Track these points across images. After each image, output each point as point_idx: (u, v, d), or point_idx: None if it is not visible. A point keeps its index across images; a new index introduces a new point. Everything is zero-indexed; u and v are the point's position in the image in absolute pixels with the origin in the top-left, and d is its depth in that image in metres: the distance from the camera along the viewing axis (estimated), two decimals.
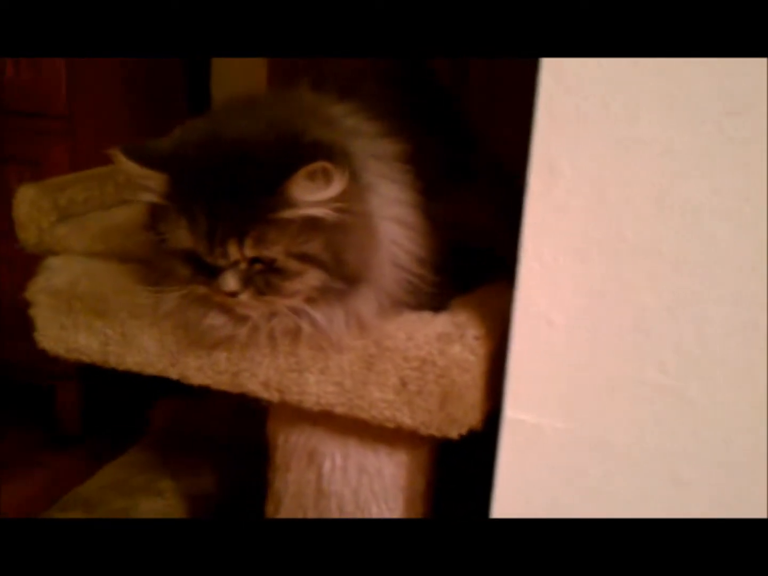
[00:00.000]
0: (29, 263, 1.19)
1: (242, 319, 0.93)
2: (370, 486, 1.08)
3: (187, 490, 1.55)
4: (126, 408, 2.34)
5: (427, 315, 0.94)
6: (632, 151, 0.78)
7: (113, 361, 1.04)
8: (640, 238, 0.80)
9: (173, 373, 1.01)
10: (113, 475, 1.60)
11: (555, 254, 0.83)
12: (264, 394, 0.98)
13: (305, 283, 0.88)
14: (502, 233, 1.06)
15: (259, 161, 0.85)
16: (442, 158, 1.04)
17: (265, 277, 0.87)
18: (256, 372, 0.97)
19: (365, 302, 0.91)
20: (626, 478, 0.86)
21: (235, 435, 1.70)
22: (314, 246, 0.86)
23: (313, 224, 0.86)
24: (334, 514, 1.09)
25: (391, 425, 0.94)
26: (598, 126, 0.78)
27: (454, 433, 0.92)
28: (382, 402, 0.93)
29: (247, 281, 0.88)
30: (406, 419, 0.93)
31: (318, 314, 0.90)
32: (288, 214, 0.84)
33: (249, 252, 0.86)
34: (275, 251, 0.86)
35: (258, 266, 0.87)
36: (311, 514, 1.11)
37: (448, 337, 0.90)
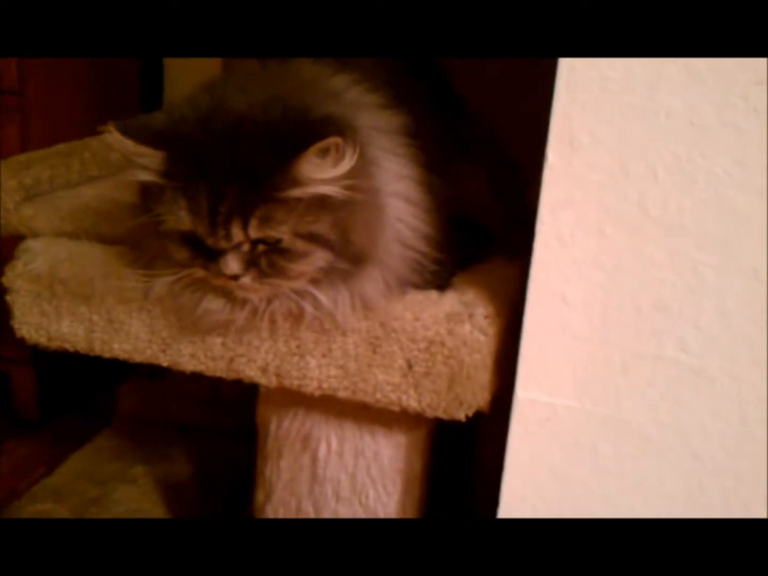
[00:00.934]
0: None
1: (241, 303, 0.89)
2: (368, 469, 1.05)
3: (162, 477, 1.51)
4: (82, 392, 2.29)
5: (433, 294, 0.91)
6: (654, 122, 0.76)
7: (99, 349, 0.98)
8: (661, 212, 0.78)
9: (164, 360, 0.97)
10: (83, 463, 1.55)
11: (572, 230, 0.80)
12: (261, 380, 0.94)
13: (311, 264, 0.84)
14: (498, 209, 1.04)
15: (264, 137, 0.80)
16: (439, 131, 1.00)
17: (269, 259, 0.83)
18: (253, 357, 0.93)
19: (371, 282, 0.88)
20: (641, 457, 0.85)
21: (208, 419, 1.66)
22: (322, 225, 0.82)
23: (321, 203, 0.82)
24: (330, 500, 1.07)
25: (396, 408, 0.92)
26: (620, 96, 0.76)
27: (461, 415, 0.90)
28: (387, 385, 0.90)
29: (249, 263, 0.83)
30: (413, 402, 0.90)
31: (323, 296, 0.87)
32: (296, 192, 0.80)
33: (254, 233, 0.81)
34: (281, 231, 0.81)
35: (261, 248, 0.83)
36: (305, 501, 1.08)
37: (457, 316, 0.87)
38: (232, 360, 0.94)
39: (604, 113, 0.77)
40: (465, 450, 1.34)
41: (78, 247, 1.00)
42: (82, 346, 0.99)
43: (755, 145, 0.74)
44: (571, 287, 0.82)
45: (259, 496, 1.12)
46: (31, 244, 1.01)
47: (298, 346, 0.91)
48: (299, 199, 0.81)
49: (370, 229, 0.86)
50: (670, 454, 0.84)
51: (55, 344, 1.00)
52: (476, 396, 0.89)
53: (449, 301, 0.89)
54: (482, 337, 0.87)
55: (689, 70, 0.74)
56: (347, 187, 0.82)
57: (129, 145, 0.83)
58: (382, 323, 0.89)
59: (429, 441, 1.08)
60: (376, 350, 0.90)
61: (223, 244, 0.82)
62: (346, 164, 0.80)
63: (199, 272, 0.86)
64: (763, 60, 0.71)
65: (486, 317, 0.88)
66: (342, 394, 0.92)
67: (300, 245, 0.83)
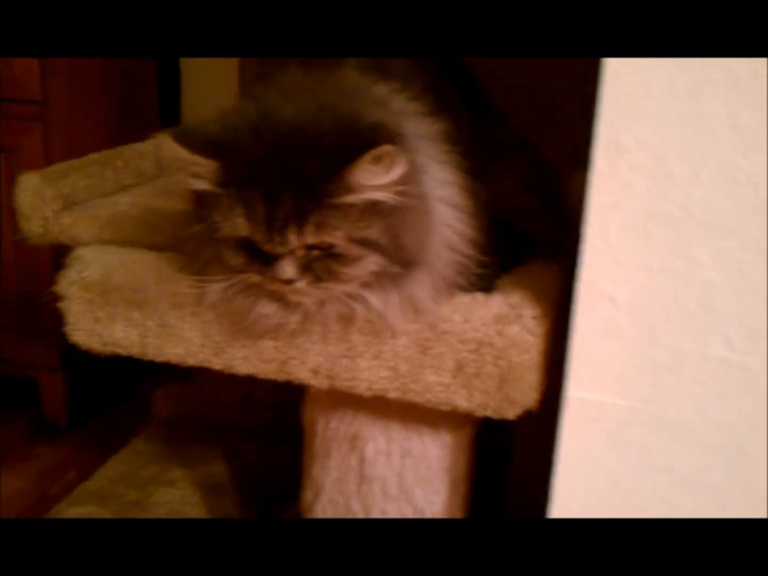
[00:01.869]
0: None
1: (294, 307, 0.91)
2: (415, 469, 1.07)
3: (201, 479, 1.53)
4: (108, 398, 2.31)
5: (480, 296, 0.93)
6: (698, 126, 0.78)
7: (152, 353, 1.01)
8: (705, 214, 0.80)
9: (217, 364, 0.99)
10: (121, 466, 1.57)
11: (620, 232, 0.82)
12: (312, 381, 0.97)
13: (364, 269, 0.86)
14: (534, 210, 1.06)
15: (317, 145, 0.83)
16: (474, 135, 1.02)
17: (323, 264, 0.86)
18: (305, 359, 0.95)
19: (420, 286, 0.90)
20: (689, 453, 0.87)
21: (245, 420, 1.68)
22: (375, 230, 0.85)
23: (373, 208, 0.84)
24: (378, 499, 1.09)
25: (446, 408, 0.94)
26: (664, 101, 0.78)
27: (511, 415, 0.92)
28: (438, 386, 0.92)
29: (304, 268, 0.86)
30: (463, 402, 0.92)
31: (374, 298, 0.89)
32: (350, 198, 0.83)
33: (309, 239, 0.84)
34: (336, 237, 0.84)
35: (316, 253, 0.86)
36: (353, 500, 1.10)
37: (505, 318, 0.90)
38: (284, 362, 0.96)
39: (649, 118, 0.79)
40: (499, 451, 1.36)
41: (129, 254, 1.03)
42: (135, 351, 1.02)
43: None
44: (618, 288, 0.84)
45: (308, 495, 1.14)
46: (82, 252, 1.03)
47: (348, 349, 0.94)
48: (353, 205, 0.83)
49: (419, 234, 0.88)
50: (717, 450, 0.86)
51: (108, 349, 1.03)
52: (525, 395, 0.91)
53: (496, 303, 0.91)
54: (531, 338, 0.89)
55: (730, 74, 0.76)
56: (398, 193, 0.84)
57: (184, 153, 0.85)
58: (431, 325, 0.91)
59: (473, 441, 1.10)
60: (426, 352, 0.92)
61: (279, 249, 0.84)
62: (398, 171, 0.83)
63: (254, 277, 0.89)
64: None
65: (533, 318, 0.90)
66: (392, 394, 0.94)
67: (353, 250, 0.85)
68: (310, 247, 0.85)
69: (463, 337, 0.90)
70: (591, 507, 0.91)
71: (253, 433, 1.66)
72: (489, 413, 0.92)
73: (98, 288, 1.00)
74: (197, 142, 0.85)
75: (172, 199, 1.40)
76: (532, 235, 1.05)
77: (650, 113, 0.78)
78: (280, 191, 0.83)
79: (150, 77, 2.19)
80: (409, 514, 1.09)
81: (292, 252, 0.85)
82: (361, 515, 1.10)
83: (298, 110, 0.86)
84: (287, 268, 0.85)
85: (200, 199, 0.89)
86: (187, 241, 0.96)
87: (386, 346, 0.93)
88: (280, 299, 0.91)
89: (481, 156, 1.01)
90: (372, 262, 0.86)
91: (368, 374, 0.94)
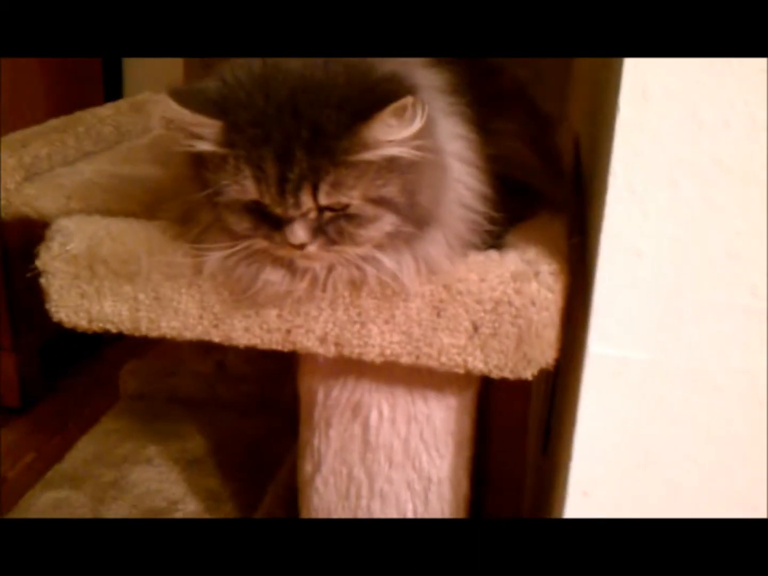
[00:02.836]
0: None
1: (301, 273, 0.86)
2: (420, 434, 1.04)
3: (177, 454, 1.48)
4: (57, 376, 2.26)
5: (494, 254, 0.89)
6: (726, 71, 0.75)
7: (145, 328, 0.95)
8: (733, 162, 0.78)
9: (216, 336, 0.94)
10: (93, 447, 1.52)
11: (645, 183, 0.80)
12: (319, 350, 0.92)
13: (380, 229, 0.82)
14: (535, 164, 1.03)
15: (331, 99, 0.78)
16: (477, 87, 0.98)
17: (336, 226, 0.81)
18: (312, 327, 0.91)
19: (434, 245, 0.86)
20: (711, 405, 0.86)
21: (219, 392, 1.63)
22: (392, 189, 0.80)
23: (390, 165, 0.80)
24: (383, 466, 1.06)
25: (460, 371, 0.91)
26: None
27: (528, 374, 0.89)
28: (453, 348, 0.89)
29: (316, 231, 0.81)
30: (479, 363, 0.89)
31: (387, 260, 0.85)
32: (368, 155, 0.78)
33: (324, 199, 0.79)
34: (352, 197, 0.79)
35: (329, 214, 0.81)
36: (357, 468, 1.07)
37: (523, 275, 0.87)
38: (288, 332, 0.92)
39: (676, 63, 0.76)
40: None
41: (116, 223, 0.96)
42: (126, 326, 0.96)
43: None
44: (644, 240, 0.81)
45: (307, 467, 1.10)
46: (64, 223, 0.96)
47: (359, 314, 0.90)
48: (370, 162, 0.79)
49: (435, 191, 0.84)
50: (740, 401, 0.85)
51: (96, 326, 0.96)
52: (544, 354, 0.88)
53: (512, 260, 0.88)
54: (549, 295, 0.86)
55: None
56: (416, 148, 0.80)
57: (185, 114, 0.80)
58: (446, 286, 0.88)
59: (476, 402, 1.08)
60: (440, 314, 0.88)
61: (291, 212, 0.80)
62: (417, 124, 0.78)
63: (260, 243, 0.84)
64: None
65: (551, 274, 0.87)
66: (405, 359, 0.91)
67: (369, 210, 0.81)
68: (323, 209, 0.81)
69: (480, 297, 0.87)
70: (612, 463, 0.89)
71: (228, 405, 1.62)
72: (506, 374, 0.90)
73: (84, 261, 0.94)
74: (199, 101, 0.80)
75: (138, 165, 1.34)
76: (533, 189, 1.02)
77: (678, 60, 0.76)
78: (292, 150, 0.78)
79: (96, 77, 2.25)
80: (415, 479, 1.06)
81: (304, 215, 0.80)
82: (365, 483, 1.07)
83: (306, 64, 0.81)
84: (299, 232, 0.80)
85: (201, 161, 0.83)
86: (178, 208, 0.90)
87: (398, 309, 0.89)
88: (287, 265, 0.86)
89: (481, 108, 0.98)
90: (388, 222, 0.82)
91: (380, 340, 0.90)
